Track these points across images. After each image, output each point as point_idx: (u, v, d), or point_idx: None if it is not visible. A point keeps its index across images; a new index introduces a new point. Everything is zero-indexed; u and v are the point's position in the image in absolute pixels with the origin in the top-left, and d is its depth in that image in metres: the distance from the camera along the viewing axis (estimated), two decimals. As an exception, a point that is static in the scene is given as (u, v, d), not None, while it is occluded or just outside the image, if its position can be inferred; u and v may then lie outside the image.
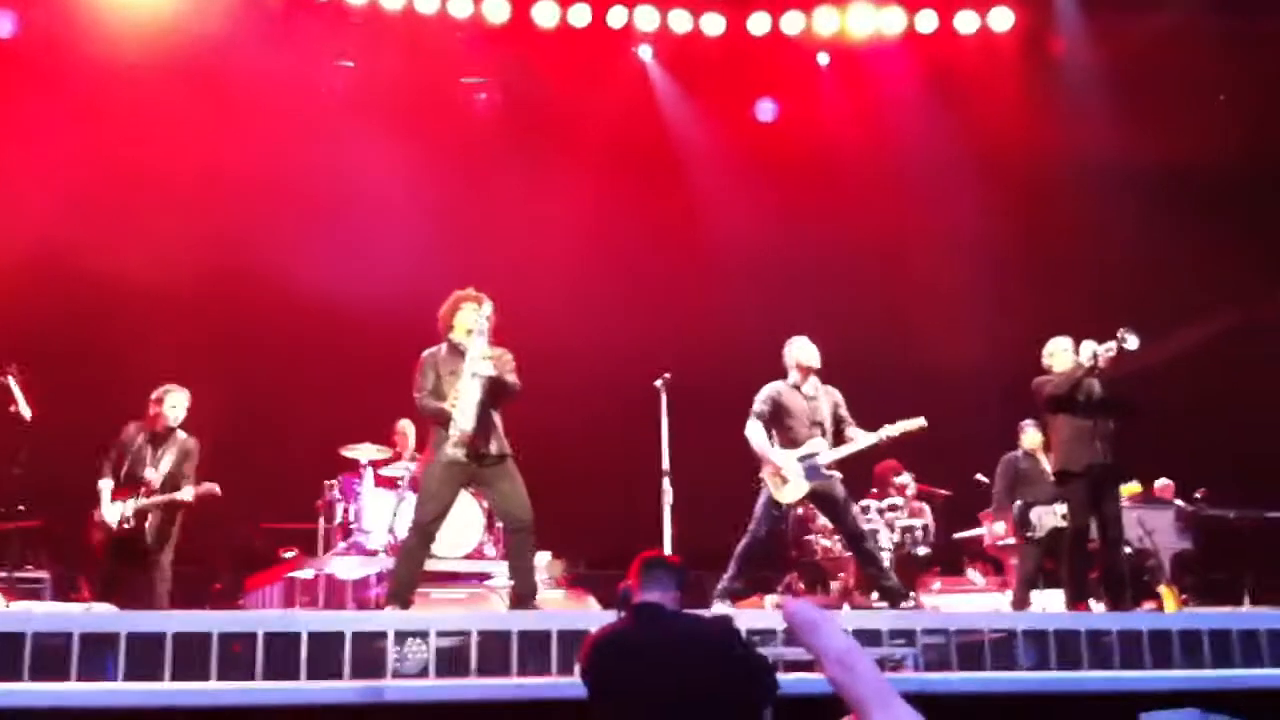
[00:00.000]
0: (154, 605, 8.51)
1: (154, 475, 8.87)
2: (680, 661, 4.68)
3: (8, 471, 8.56)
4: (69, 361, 10.99)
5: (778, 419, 8.77)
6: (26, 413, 8.54)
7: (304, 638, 6.66)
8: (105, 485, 8.90)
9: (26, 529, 9.59)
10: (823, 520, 10.27)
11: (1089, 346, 8.75)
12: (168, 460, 8.95)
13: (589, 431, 12.37)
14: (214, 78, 12.34)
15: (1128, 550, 9.63)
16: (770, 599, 10.22)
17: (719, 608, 8.24)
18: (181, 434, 9.06)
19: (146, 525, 8.82)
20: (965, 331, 13.59)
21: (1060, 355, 8.99)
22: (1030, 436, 10.44)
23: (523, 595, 7.69)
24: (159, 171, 12.12)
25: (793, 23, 13.86)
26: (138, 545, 8.79)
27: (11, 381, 8.53)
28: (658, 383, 9.12)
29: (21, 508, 9.12)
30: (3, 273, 11.31)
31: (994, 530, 10.82)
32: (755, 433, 8.75)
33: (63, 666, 6.30)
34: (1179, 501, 11.18)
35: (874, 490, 11.06)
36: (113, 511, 8.83)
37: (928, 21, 13.87)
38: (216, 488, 8.97)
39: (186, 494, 8.89)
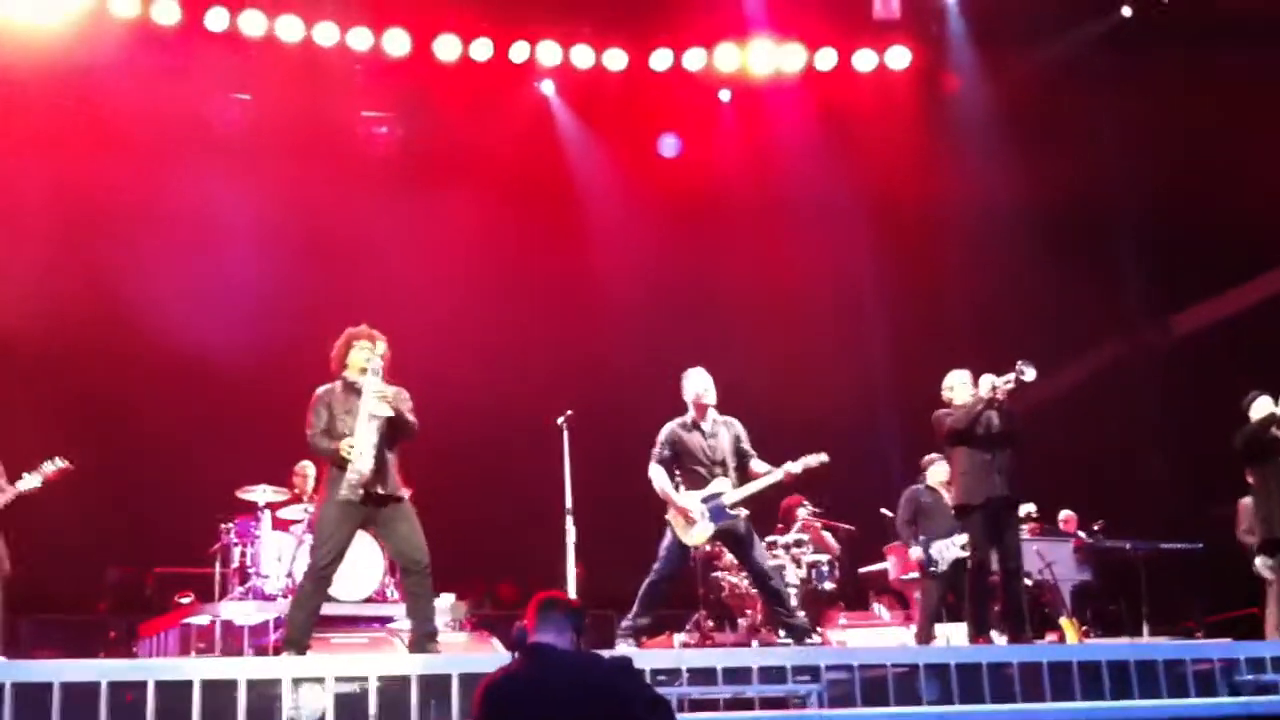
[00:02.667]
0: None
1: None
2: (572, 702, 4.62)
3: None
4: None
5: (679, 460, 8.69)
6: None
7: (196, 685, 6.48)
8: None
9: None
10: (729, 557, 10.24)
11: (988, 380, 8.84)
12: None
13: (493, 471, 12.27)
14: (103, 111, 12.10)
15: (1028, 582, 9.73)
16: (679, 637, 10.17)
17: (623, 647, 8.18)
18: None
19: None
20: (863, 367, 13.72)
21: (960, 388, 9.06)
22: (937, 470, 10.47)
23: (422, 638, 7.54)
24: (49, 209, 11.87)
25: (694, 59, 13.93)
26: None
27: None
28: (559, 420, 9.03)
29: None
30: None
31: (898, 564, 10.87)
32: (658, 476, 8.66)
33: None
34: (1079, 533, 11.34)
35: (780, 526, 11.06)
36: None
37: (827, 59, 14.03)
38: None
39: (34, 480, 8.46)
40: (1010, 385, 8.73)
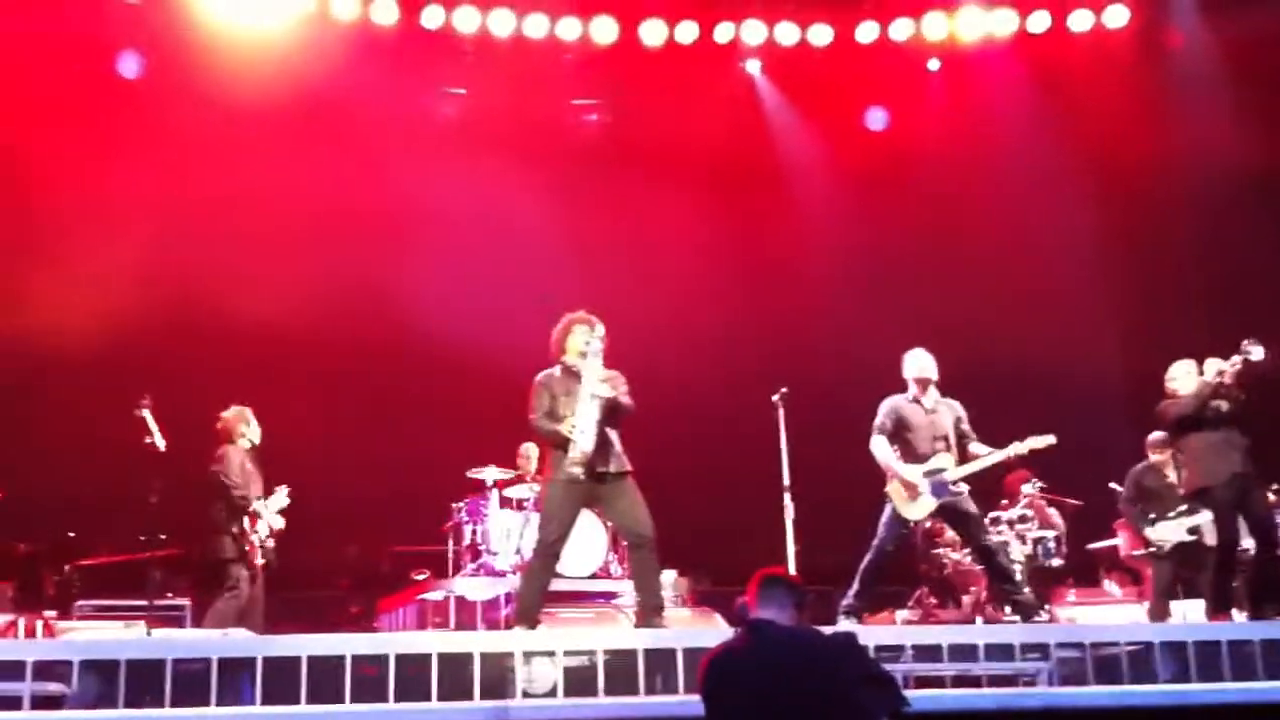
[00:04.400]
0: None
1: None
2: (792, 677, 4.65)
3: (144, 501, 8.77)
4: (196, 395, 11.22)
5: (899, 434, 8.67)
6: (160, 444, 8.76)
7: (434, 659, 6.75)
8: (260, 504, 9.35)
9: (166, 558, 9.82)
10: (950, 534, 10.14)
11: (1214, 364, 8.59)
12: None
13: (715, 448, 12.35)
14: (330, 111, 12.62)
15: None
16: (901, 614, 10.10)
17: (844, 624, 8.17)
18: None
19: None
20: (1086, 341, 13.32)
21: (1183, 379, 8.83)
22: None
23: (648, 613, 7.68)
24: (285, 207, 12.42)
25: (901, 29, 13.69)
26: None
27: (146, 414, 8.75)
28: (775, 398, 9.06)
29: (163, 536, 9.32)
30: (136, 310, 11.66)
31: (1129, 539, 10.58)
32: (880, 447, 8.65)
33: (203, 692, 6.46)
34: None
35: (1004, 502, 10.87)
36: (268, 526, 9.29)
37: (1040, 22, 13.62)
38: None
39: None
40: (1237, 367, 8.44)
